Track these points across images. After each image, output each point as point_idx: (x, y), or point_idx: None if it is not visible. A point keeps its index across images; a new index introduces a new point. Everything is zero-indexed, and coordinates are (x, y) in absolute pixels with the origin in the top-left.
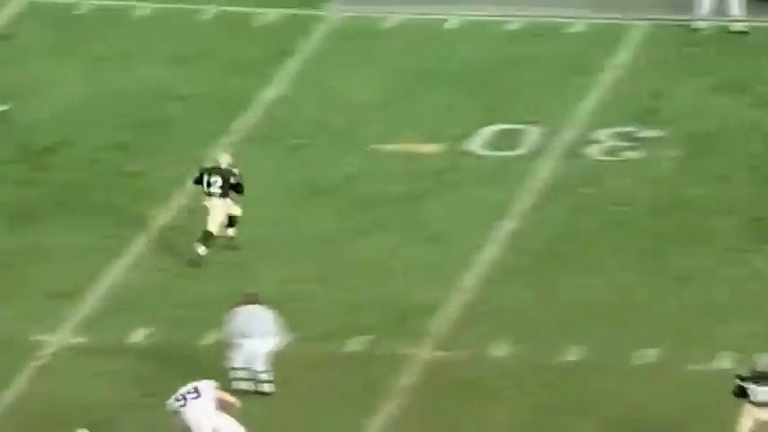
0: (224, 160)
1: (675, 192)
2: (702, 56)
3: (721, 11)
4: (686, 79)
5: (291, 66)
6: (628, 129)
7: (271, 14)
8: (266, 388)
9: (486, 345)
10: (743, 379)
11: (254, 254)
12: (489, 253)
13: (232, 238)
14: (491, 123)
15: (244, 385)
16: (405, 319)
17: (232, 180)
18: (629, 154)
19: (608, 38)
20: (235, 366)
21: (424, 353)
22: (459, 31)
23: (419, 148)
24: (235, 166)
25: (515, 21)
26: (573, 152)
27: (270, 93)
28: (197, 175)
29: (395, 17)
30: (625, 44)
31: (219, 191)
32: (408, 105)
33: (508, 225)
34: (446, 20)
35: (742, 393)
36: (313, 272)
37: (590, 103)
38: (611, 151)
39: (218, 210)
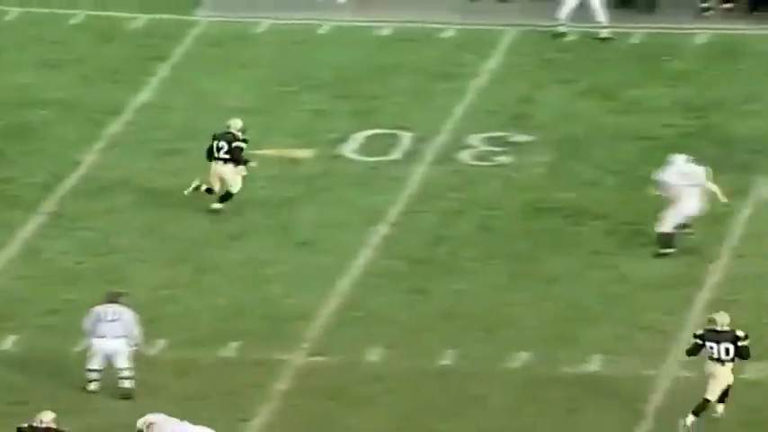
0: (234, 125)
1: (545, 196)
2: (571, 62)
3: (586, 17)
4: (555, 85)
5: (162, 71)
6: (499, 134)
7: (141, 20)
8: (127, 384)
9: (360, 350)
10: (700, 336)
11: (127, 259)
12: (363, 258)
13: (216, 210)
14: (364, 128)
15: (93, 386)
16: (278, 325)
17: (234, 144)
18: (500, 159)
19: (478, 43)
20: (90, 368)
21: (298, 358)
22: (332, 36)
23: (292, 153)
24: (243, 132)
25: (386, 27)
26: (445, 157)
27: (141, 98)
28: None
29: (266, 23)
30: (495, 50)
31: (225, 156)
32: (281, 110)
33: (381, 230)
34: (319, 25)
35: (696, 351)
36: (186, 277)
37: (461, 108)
38: (483, 156)
39: (223, 173)
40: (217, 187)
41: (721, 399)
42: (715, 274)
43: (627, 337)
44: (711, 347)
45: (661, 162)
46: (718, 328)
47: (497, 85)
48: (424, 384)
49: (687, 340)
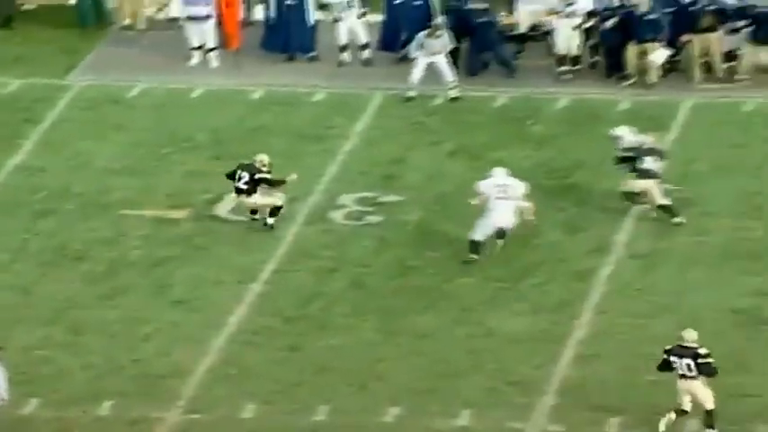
0: (261, 160)
1: (415, 254)
2: (438, 124)
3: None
4: (423, 146)
5: (36, 134)
6: (369, 194)
7: (15, 84)
8: None
9: (235, 406)
10: (668, 351)
11: (1, 319)
12: (237, 315)
13: (269, 225)
14: None
15: None
16: (153, 383)
17: (256, 176)
18: (371, 218)
19: (347, 107)
20: None
21: (173, 416)
22: (205, 100)
23: (168, 214)
24: (265, 165)
25: (258, 90)
26: (317, 217)
27: (16, 160)
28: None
29: (140, 86)
30: (364, 113)
31: (245, 186)
32: (156, 171)
33: (255, 288)
34: (192, 89)
35: (667, 367)
36: (60, 337)
37: (333, 169)
38: (354, 216)
39: (246, 202)
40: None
41: (710, 425)
42: (579, 329)
43: (495, 390)
44: (675, 362)
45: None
46: (684, 344)
47: (367, 146)
48: None
49: (553, 393)
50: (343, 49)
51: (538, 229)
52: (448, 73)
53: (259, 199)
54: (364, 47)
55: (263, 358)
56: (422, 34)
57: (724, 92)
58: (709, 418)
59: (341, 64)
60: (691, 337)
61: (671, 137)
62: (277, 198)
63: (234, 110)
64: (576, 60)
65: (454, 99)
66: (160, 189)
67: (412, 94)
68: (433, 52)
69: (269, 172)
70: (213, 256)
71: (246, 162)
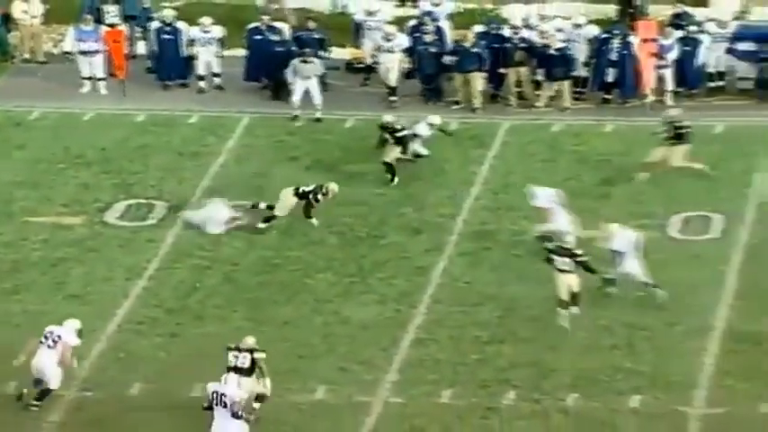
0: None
1: (279, 254)
2: (297, 142)
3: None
4: (285, 162)
5: None
6: (239, 203)
7: None
8: None
9: (123, 385)
10: (549, 251)
11: None
12: (125, 308)
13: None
14: (125, 199)
15: None
16: None
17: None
18: (239, 223)
19: (219, 127)
20: None
21: (71, 393)
22: (96, 122)
23: (64, 220)
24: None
25: (141, 114)
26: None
27: None
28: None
29: (39, 111)
30: (234, 133)
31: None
32: (53, 184)
33: (141, 284)
34: (85, 113)
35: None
36: None
37: (207, 181)
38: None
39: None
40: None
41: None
42: (418, 317)
43: (347, 369)
44: (556, 259)
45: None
46: (565, 246)
47: (236, 162)
48: (177, 414)
49: (395, 371)
50: (201, 78)
51: (384, 231)
52: (317, 97)
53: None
54: (217, 75)
55: (147, 344)
56: (296, 61)
57: (535, 115)
58: (575, 298)
59: (200, 91)
60: (570, 239)
61: (491, 153)
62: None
63: (120, 131)
64: (394, 90)
65: (318, 120)
66: (57, 199)
67: (296, 113)
68: (305, 77)
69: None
70: (104, 257)
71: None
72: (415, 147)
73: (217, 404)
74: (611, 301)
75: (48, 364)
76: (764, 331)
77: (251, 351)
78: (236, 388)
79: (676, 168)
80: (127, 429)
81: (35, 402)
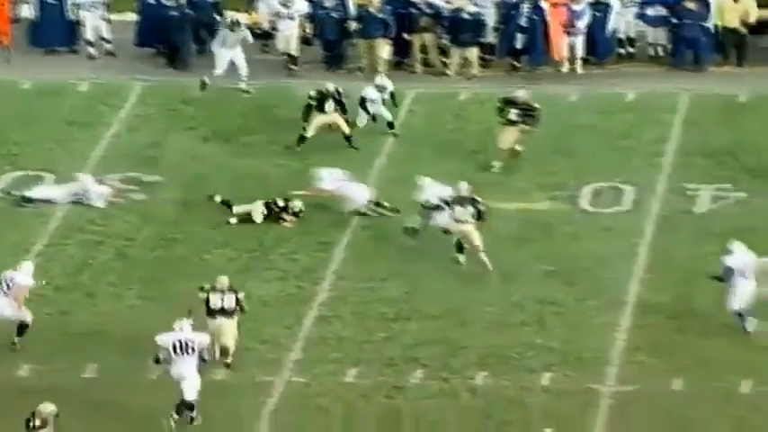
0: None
1: (175, 229)
2: (193, 112)
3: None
4: (180, 131)
5: None
6: (132, 174)
7: None
8: None
9: (12, 366)
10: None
11: None
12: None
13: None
14: (12, 171)
15: None
16: None
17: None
18: (134, 196)
19: (111, 96)
20: None
21: None
22: None
23: None
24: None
25: (28, 82)
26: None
27: None
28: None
29: None
30: (126, 101)
31: None
32: None
33: (32, 261)
34: None
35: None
36: None
37: (98, 152)
38: (120, 194)
39: None
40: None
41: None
42: (321, 294)
43: (249, 348)
44: (457, 209)
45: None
46: (463, 194)
47: (129, 132)
48: (68, 395)
49: (299, 350)
50: (90, 44)
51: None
52: (243, 67)
53: None
54: (107, 41)
55: (36, 323)
56: (223, 29)
57: (441, 83)
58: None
59: (90, 57)
60: (465, 187)
61: (397, 123)
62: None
63: (7, 100)
64: (294, 60)
65: (246, 92)
66: None
67: (206, 80)
68: (231, 46)
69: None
70: None
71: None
72: (376, 109)
73: (181, 353)
74: (521, 276)
75: (6, 308)
76: (676, 305)
77: (234, 291)
78: (200, 334)
79: (583, 139)
80: (16, 413)
81: (15, 340)
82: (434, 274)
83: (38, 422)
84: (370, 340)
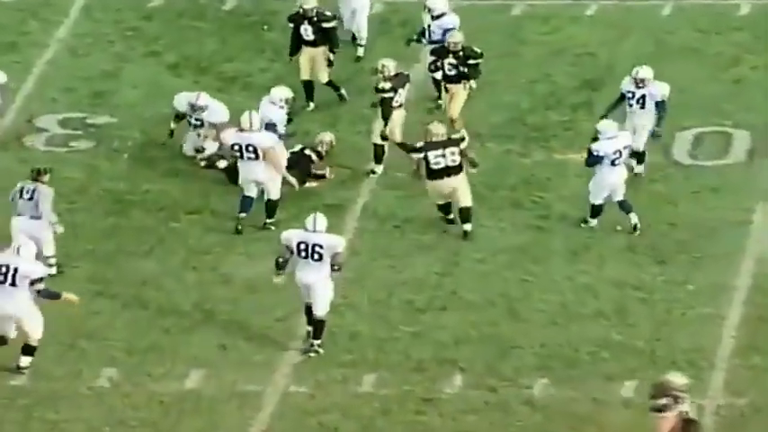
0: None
1: (133, 186)
2: (157, 31)
3: None
4: (140, 58)
5: None
6: (75, 115)
7: None
8: None
9: None
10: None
11: None
12: None
13: None
14: None
15: None
16: None
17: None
18: (79, 144)
19: (46, 8)
20: None
21: None
22: None
23: None
24: None
25: None
26: (12, 143)
27: None
28: None
29: None
30: (67, 17)
31: None
32: None
33: None
34: None
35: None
36: None
37: (29, 85)
38: (58, 141)
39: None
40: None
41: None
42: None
43: (230, 347)
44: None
45: None
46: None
47: (71, 57)
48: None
49: (297, 351)
50: None
51: None
52: None
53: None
54: None
55: None
56: None
57: None
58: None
59: None
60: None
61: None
62: None
63: None
64: None
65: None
66: None
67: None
68: None
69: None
70: None
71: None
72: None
73: (306, 256)
74: (593, 252)
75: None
76: None
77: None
78: (331, 236)
79: (678, 67)
80: None
81: None
82: (476, 246)
83: None
84: (393, 337)
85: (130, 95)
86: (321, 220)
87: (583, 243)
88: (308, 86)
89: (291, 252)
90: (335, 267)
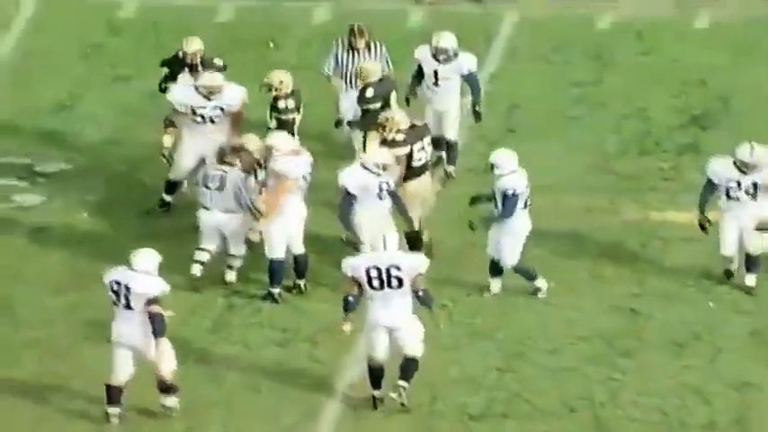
0: None
1: (94, 256)
2: (128, 45)
3: None
4: (102, 81)
5: None
6: (16, 161)
7: None
8: None
9: None
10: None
11: None
12: None
13: None
14: None
15: None
16: None
17: None
18: (22, 198)
19: None
20: None
21: None
22: None
23: None
24: None
25: None
26: None
27: None
28: None
29: None
30: (8, 28)
31: None
32: None
33: None
34: None
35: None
36: None
37: None
38: None
39: None
40: None
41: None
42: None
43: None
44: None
45: None
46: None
47: (12, 84)
48: None
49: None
50: None
51: None
52: None
53: None
54: None
55: None
56: None
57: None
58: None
59: None
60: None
61: (490, 59)
62: None
63: None
64: None
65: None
66: None
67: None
68: None
69: None
70: None
71: None
72: None
73: (380, 286)
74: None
75: None
76: None
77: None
78: (409, 256)
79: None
80: None
81: None
82: (546, 335)
83: None
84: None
85: (90, 134)
86: (393, 237)
87: (689, 330)
88: None
89: (359, 285)
90: (420, 295)
